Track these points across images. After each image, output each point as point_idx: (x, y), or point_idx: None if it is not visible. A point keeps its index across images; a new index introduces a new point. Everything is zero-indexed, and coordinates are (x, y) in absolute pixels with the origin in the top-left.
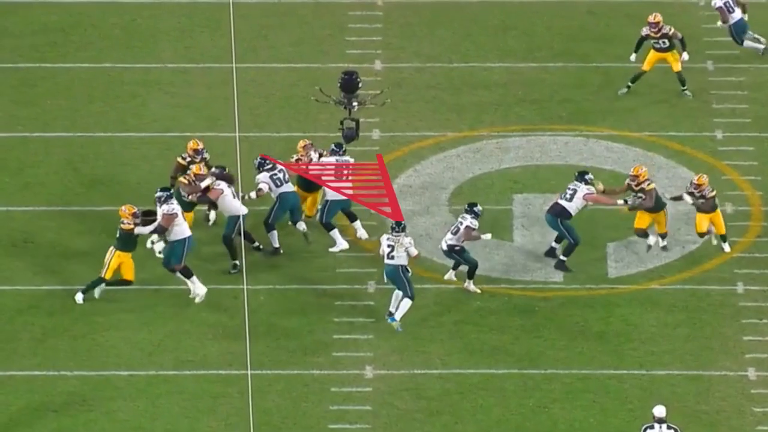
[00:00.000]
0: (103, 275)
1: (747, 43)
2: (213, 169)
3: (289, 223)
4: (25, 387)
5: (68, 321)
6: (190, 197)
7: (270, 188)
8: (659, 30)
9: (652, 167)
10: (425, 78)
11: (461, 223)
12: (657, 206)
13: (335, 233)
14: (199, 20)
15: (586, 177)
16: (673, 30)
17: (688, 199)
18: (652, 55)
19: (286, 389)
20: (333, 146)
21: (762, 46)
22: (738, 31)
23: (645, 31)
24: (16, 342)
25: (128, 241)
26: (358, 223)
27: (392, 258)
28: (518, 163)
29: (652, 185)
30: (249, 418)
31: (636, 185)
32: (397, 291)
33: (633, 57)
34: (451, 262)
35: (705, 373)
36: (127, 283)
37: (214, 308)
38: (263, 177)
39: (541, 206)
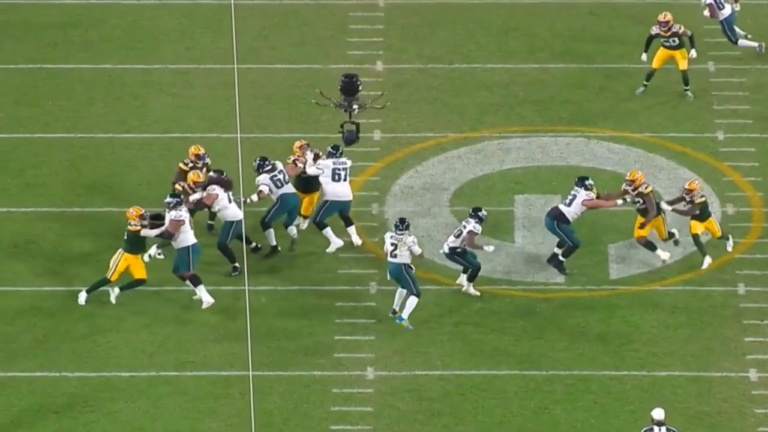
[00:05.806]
0: (109, 277)
1: (742, 42)
2: (210, 174)
3: (283, 225)
4: (26, 388)
5: (69, 322)
6: (187, 205)
7: (270, 190)
8: (669, 29)
9: (653, 168)
10: (426, 79)
11: (464, 227)
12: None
13: (328, 232)
14: (201, 21)
15: (586, 183)
16: (683, 28)
17: (665, 206)
18: (661, 52)
19: (287, 390)
20: (330, 148)
21: (756, 44)
22: (730, 28)
23: (655, 30)
24: (18, 343)
25: (136, 243)
26: (352, 229)
27: (395, 256)
28: (519, 164)
29: (650, 188)
30: (250, 419)
31: (633, 190)
32: (400, 289)
33: (644, 57)
34: (454, 266)
35: (706, 375)
36: (141, 282)
37: (215, 309)
38: (263, 179)
39: (543, 207)
